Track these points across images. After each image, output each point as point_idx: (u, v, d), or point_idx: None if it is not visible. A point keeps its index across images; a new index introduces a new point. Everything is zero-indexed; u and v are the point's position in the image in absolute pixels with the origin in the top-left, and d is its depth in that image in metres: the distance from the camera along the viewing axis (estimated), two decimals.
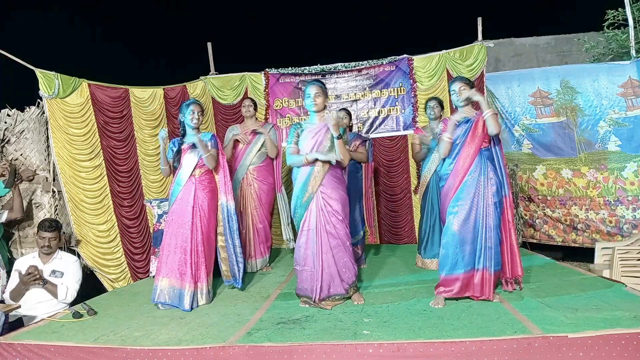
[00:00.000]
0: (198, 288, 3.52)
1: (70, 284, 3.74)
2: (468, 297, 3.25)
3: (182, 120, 3.69)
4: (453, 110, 3.51)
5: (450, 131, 3.30)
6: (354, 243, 4.49)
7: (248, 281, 4.27)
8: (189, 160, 3.65)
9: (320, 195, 3.32)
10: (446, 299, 3.25)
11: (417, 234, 5.01)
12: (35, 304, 3.60)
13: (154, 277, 4.54)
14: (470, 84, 3.36)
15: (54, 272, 3.72)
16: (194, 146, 3.64)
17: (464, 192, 3.23)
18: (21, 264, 3.73)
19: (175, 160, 3.70)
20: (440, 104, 4.53)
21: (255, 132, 4.68)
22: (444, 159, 3.45)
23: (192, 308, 3.43)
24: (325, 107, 3.49)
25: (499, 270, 3.28)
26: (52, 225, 3.76)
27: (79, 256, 4.74)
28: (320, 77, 6.04)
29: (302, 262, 3.36)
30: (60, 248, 4.45)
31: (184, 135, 3.72)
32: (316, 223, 3.31)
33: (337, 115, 3.27)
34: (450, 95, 3.46)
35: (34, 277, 3.56)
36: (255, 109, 4.85)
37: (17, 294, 3.59)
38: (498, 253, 3.25)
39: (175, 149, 3.71)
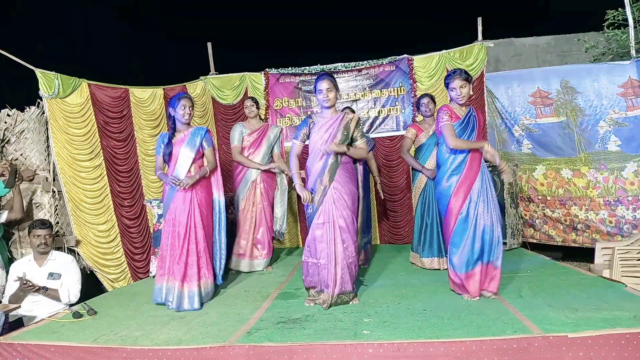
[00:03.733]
0: (202, 286, 3.50)
1: (70, 285, 3.73)
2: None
3: (172, 114, 3.62)
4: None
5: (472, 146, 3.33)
6: (365, 243, 4.55)
7: (248, 281, 4.28)
8: (184, 156, 3.57)
9: (333, 189, 3.33)
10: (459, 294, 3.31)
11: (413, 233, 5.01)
12: (35, 304, 3.60)
13: (154, 277, 4.56)
14: (469, 78, 3.32)
15: (51, 274, 3.70)
16: (190, 140, 3.60)
17: (475, 191, 3.26)
18: (17, 269, 3.72)
19: (166, 154, 3.61)
20: (433, 100, 4.52)
21: (262, 135, 4.69)
22: (439, 166, 3.44)
23: (198, 307, 3.40)
24: (336, 102, 3.50)
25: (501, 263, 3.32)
26: (45, 222, 3.75)
27: (77, 256, 4.74)
28: None
29: (317, 255, 3.35)
30: (59, 248, 4.46)
31: (174, 130, 3.65)
32: (330, 216, 3.31)
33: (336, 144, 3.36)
34: (449, 91, 3.39)
35: (31, 289, 3.54)
36: (258, 107, 4.85)
37: (15, 300, 3.57)
38: (502, 244, 3.32)
39: (164, 143, 3.62)
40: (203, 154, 3.68)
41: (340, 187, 3.35)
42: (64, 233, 4.81)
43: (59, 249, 4.44)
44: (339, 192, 3.34)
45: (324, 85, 3.39)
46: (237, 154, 4.64)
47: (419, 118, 5.69)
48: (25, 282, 3.52)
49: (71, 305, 3.68)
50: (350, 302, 3.35)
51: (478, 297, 3.26)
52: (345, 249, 3.32)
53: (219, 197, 3.75)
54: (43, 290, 3.58)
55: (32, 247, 3.73)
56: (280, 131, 4.84)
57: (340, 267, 3.31)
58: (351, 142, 3.44)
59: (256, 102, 4.84)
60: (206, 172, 3.62)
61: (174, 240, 3.50)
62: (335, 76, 5.97)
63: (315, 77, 5.99)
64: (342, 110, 4.79)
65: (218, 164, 3.78)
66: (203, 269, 3.53)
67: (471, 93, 3.35)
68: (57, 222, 4.75)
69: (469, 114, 3.34)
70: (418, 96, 5.74)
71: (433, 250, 4.35)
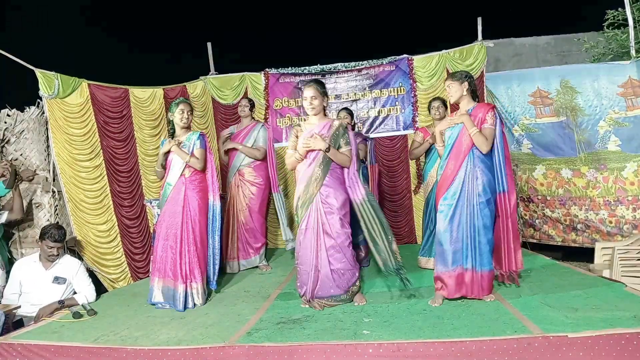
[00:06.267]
0: (192, 288, 3.52)
1: (85, 289, 3.75)
2: (462, 298, 3.26)
3: (170, 119, 3.73)
4: (452, 106, 3.52)
5: (440, 141, 3.44)
6: (356, 243, 4.53)
7: (248, 281, 4.28)
8: (178, 160, 3.65)
9: (319, 196, 3.31)
10: (445, 298, 3.27)
11: (421, 234, 5.02)
12: (36, 306, 3.59)
13: None
14: (458, 79, 3.33)
15: (56, 278, 3.69)
16: (184, 145, 3.65)
17: (451, 192, 3.27)
18: (23, 270, 3.71)
19: (164, 160, 3.71)
20: (444, 103, 4.53)
21: (245, 134, 4.72)
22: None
23: (185, 308, 3.43)
24: (324, 108, 3.49)
25: (491, 269, 3.29)
26: (61, 236, 3.69)
27: (79, 257, 4.73)
28: (320, 77, 6.05)
29: (300, 261, 3.39)
30: None
31: (173, 134, 3.75)
32: (314, 222, 3.31)
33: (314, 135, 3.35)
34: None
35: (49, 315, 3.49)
36: (252, 108, 4.87)
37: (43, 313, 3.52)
38: (488, 252, 3.25)
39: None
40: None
41: (327, 193, 3.31)
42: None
43: None
44: (325, 197, 3.31)
45: (308, 93, 3.38)
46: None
47: (420, 122, 5.71)
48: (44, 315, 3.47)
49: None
50: (356, 303, 3.34)
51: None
52: (330, 255, 3.29)
53: (214, 201, 3.74)
54: (60, 305, 3.55)
55: (42, 252, 3.71)
56: (262, 125, 4.83)
57: (322, 273, 3.28)
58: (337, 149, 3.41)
59: (251, 103, 4.86)
60: (187, 158, 3.58)
61: (167, 241, 3.54)
62: (335, 76, 6.08)
63: (315, 76, 6.04)
64: (339, 112, 4.81)
65: (212, 167, 3.78)
66: (194, 271, 3.53)
67: (464, 93, 3.34)
68: (58, 222, 4.75)
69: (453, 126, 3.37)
70: (419, 97, 5.81)
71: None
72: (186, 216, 3.55)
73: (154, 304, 3.52)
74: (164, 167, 3.74)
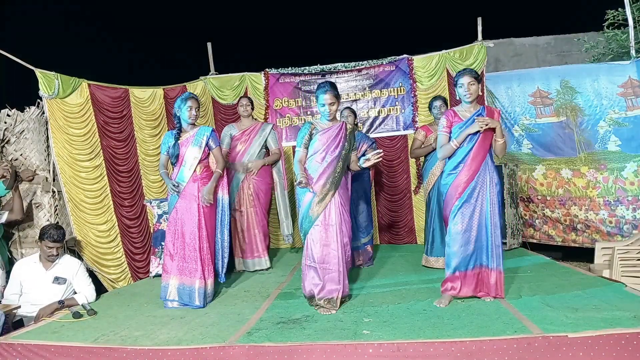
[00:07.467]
0: (207, 285, 3.54)
1: (85, 289, 3.75)
2: (474, 297, 3.26)
3: (177, 114, 3.63)
4: (456, 103, 3.49)
5: (460, 141, 3.23)
6: (365, 243, 4.58)
7: (248, 281, 4.28)
8: (191, 155, 3.60)
9: (338, 195, 3.35)
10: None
11: (424, 233, 5.03)
12: (36, 306, 3.59)
13: (154, 277, 4.59)
14: (478, 77, 3.29)
15: (56, 278, 3.69)
16: (195, 141, 3.62)
17: (470, 193, 3.23)
18: (24, 270, 3.71)
19: (173, 156, 3.65)
20: (446, 103, 4.53)
21: (252, 134, 4.74)
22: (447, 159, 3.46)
23: (204, 305, 3.46)
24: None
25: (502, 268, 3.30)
26: (60, 236, 3.68)
27: (79, 257, 4.73)
28: (320, 77, 6.05)
29: (321, 260, 3.28)
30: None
31: (180, 129, 3.68)
32: (334, 220, 3.31)
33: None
34: (457, 89, 3.33)
35: (50, 312, 3.48)
36: (253, 107, 4.89)
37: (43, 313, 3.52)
38: (502, 251, 3.29)
39: (170, 144, 3.65)
40: (208, 154, 3.70)
41: (343, 192, 3.41)
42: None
43: None
44: (340, 196, 3.37)
45: (327, 99, 3.36)
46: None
47: (420, 122, 5.71)
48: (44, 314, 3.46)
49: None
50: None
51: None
52: (347, 252, 3.38)
53: (222, 195, 3.78)
54: (60, 305, 3.54)
55: (42, 252, 3.71)
56: (272, 128, 4.87)
57: (344, 271, 3.32)
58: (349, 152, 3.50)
59: (251, 102, 4.89)
60: (219, 174, 3.67)
61: (180, 239, 3.54)
62: (335, 76, 6.08)
63: (315, 76, 6.05)
64: (341, 111, 4.82)
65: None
66: (207, 268, 3.56)
67: (480, 93, 3.32)
68: (57, 222, 4.75)
69: (476, 114, 3.24)
70: (419, 97, 5.81)
71: (439, 249, 4.37)
72: (201, 213, 3.55)
73: (166, 301, 3.51)
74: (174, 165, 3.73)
